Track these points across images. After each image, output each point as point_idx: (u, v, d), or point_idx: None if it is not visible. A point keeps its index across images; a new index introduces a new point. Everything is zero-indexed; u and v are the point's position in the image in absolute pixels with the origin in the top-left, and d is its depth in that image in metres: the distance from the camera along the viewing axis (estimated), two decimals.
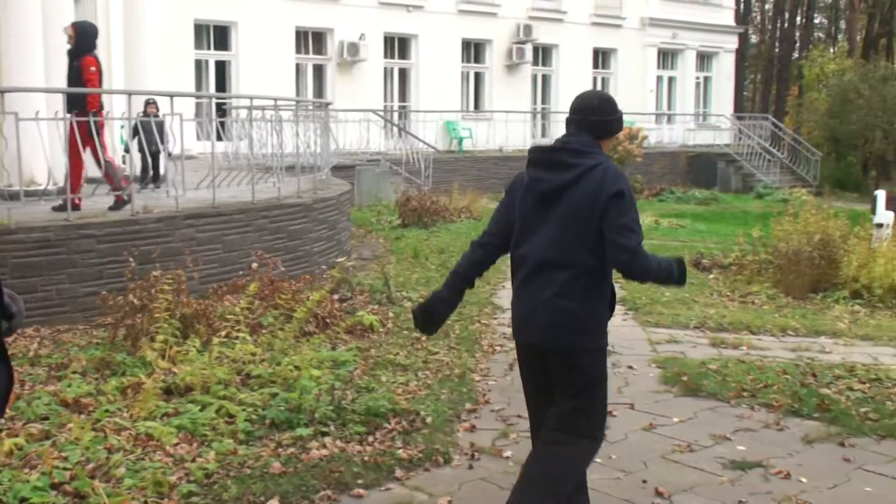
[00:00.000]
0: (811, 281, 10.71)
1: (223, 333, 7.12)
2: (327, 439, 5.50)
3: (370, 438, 5.60)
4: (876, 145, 30.64)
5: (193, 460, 5.10)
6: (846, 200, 25.02)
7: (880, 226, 14.25)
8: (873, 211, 16.31)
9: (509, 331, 8.70)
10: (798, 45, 49.80)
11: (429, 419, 5.95)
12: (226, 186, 10.67)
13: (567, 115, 4.20)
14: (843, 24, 53.23)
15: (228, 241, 9.77)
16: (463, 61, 28.40)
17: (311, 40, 25.30)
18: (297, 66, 24.80)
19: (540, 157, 4.10)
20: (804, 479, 5.15)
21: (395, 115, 27.09)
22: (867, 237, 11.28)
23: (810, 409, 6.36)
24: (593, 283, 3.95)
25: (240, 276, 9.05)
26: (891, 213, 15.63)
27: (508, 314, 9.31)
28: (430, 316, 4.27)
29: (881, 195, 16.72)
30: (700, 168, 29.41)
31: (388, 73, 26.88)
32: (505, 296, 10.65)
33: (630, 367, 7.50)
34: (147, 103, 12.95)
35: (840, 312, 9.86)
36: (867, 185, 30.57)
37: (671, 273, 4.00)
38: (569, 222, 3.91)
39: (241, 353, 6.76)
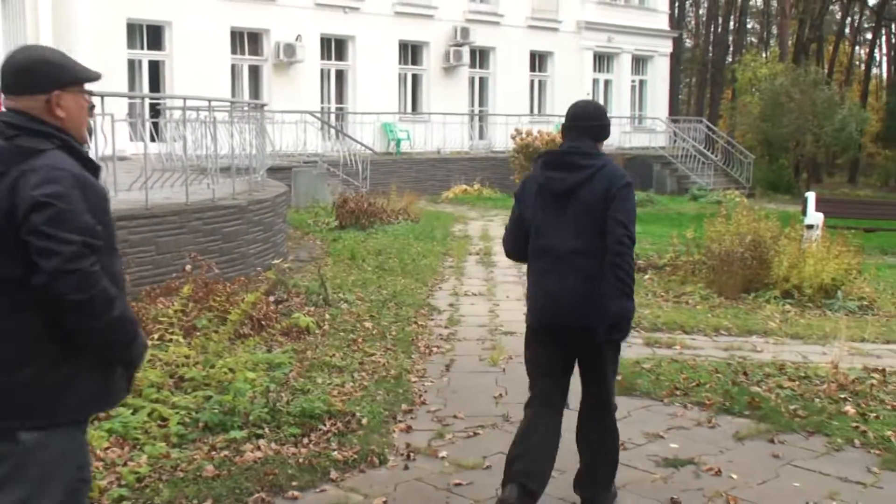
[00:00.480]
0: (743, 281, 10.89)
1: (156, 336, 7.02)
2: (262, 441, 5.46)
3: (305, 440, 5.57)
4: (807, 148, 31.28)
5: (125, 464, 5.02)
6: (778, 202, 25.51)
7: (810, 227, 14.56)
8: (804, 212, 16.66)
9: (446, 332, 8.78)
10: (731, 49, 50.70)
11: (364, 420, 5.94)
12: (159, 188, 10.53)
13: (564, 122, 4.71)
14: (774, 30, 54.25)
15: (162, 242, 9.64)
16: (400, 63, 28.38)
17: (246, 41, 25.08)
18: (233, 66, 24.55)
19: (555, 160, 4.61)
20: (735, 476, 5.24)
21: (332, 116, 26.98)
22: (798, 238, 11.50)
23: (741, 407, 6.48)
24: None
25: (173, 278, 8.94)
26: (820, 215, 15.98)
27: (444, 316, 9.39)
28: None
29: (811, 197, 17.09)
30: (636, 170, 29.68)
31: (324, 74, 26.76)
32: (441, 297, 10.68)
33: None
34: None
35: (771, 312, 10.04)
36: (798, 187, 31.23)
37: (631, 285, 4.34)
38: (586, 214, 4.41)
39: (175, 356, 6.67)
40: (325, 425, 5.78)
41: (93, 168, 2.99)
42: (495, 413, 6.33)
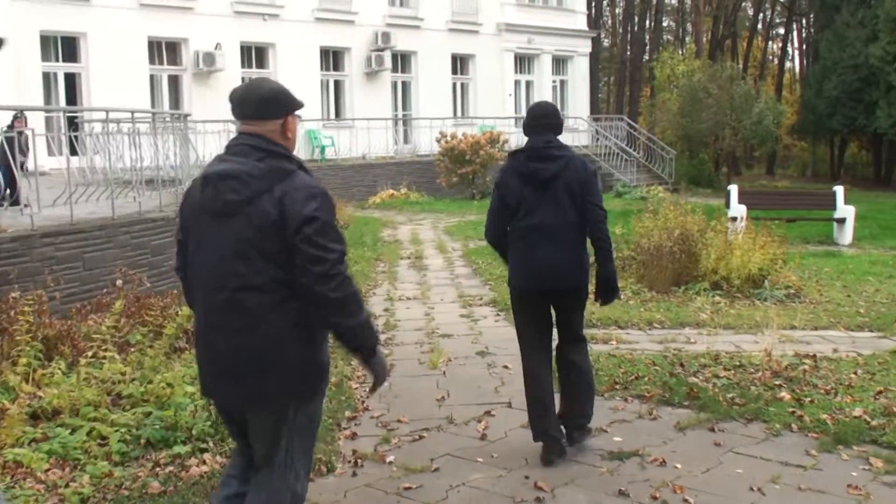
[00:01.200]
0: (673, 275, 11.05)
1: (90, 354, 6.88)
2: (206, 455, 5.39)
3: None
4: (726, 142, 31.86)
5: (67, 485, 4.92)
6: (701, 196, 25.92)
7: (734, 219, 14.86)
8: (727, 205, 17.04)
9: (383, 337, 8.75)
10: (648, 47, 51.48)
11: None
12: (84, 202, 10.34)
13: (527, 121, 5.56)
14: (689, 27, 55.17)
15: (89, 258, 9.46)
16: (322, 69, 28.27)
17: (164, 50, 24.76)
18: (151, 76, 24.22)
19: (537, 153, 5.43)
20: (679, 465, 5.32)
21: None
22: (723, 230, 11.70)
23: (680, 398, 6.58)
24: (583, 237, 5.47)
25: (104, 294, 8.78)
26: (743, 207, 16.34)
27: (380, 321, 9.37)
28: None
29: (734, 190, 17.49)
30: None
31: (245, 82, 26.49)
32: (376, 302, 10.66)
33: (506, 367, 7.56)
34: (14, 118, 12.54)
35: (702, 304, 10.22)
36: (719, 180, 31.80)
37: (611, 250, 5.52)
38: (566, 196, 5.35)
39: (110, 373, 6.55)
40: None
41: None
42: (439, 416, 6.33)
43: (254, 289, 3.41)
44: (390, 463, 5.44)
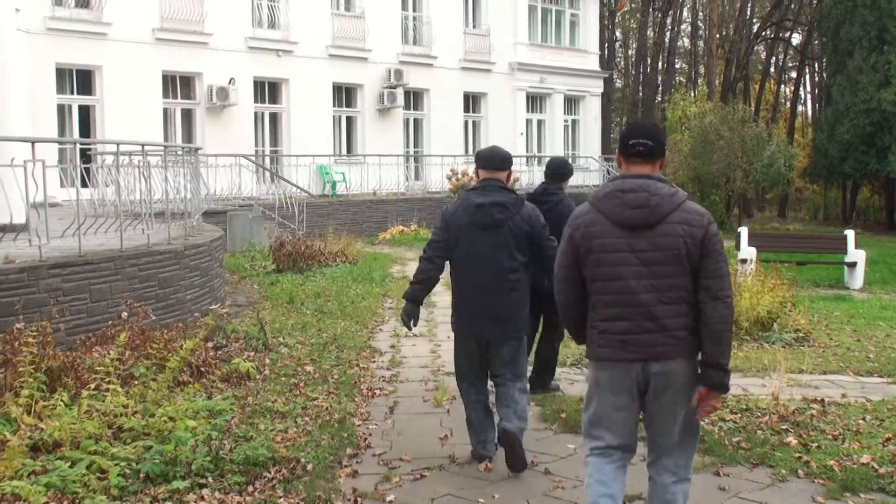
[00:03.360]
0: None
1: (93, 386, 6.85)
2: (205, 491, 5.35)
3: (250, 488, 5.46)
4: (737, 184, 31.84)
5: None
6: None
7: (744, 261, 14.82)
8: (737, 247, 17.00)
9: (388, 374, 8.72)
10: (661, 88, 51.67)
11: (309, 466, 5.85)
12: (93, 234, 10.35)
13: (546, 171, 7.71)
14: (702, 69, 55.38)
15: (96, 290, 9.46)
16: (335, 105, 28.44)
17: (178, 84, 24.94)
18: (165, 110, 24.39)
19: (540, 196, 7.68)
20: None
21: (267, 159, 26.89)
22: (732, 272, 11.62)
23: None
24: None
25: (109, 326, 8.77)
26: (753, 249, 16.30)
27: (386, 357, 9.36)
28: None
29: (744, 232, 17.46)
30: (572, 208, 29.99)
31: (258, 117, 26.69)
32: (382, 339, 10.62)
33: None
34: None
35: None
36: (730, 222, 31.76)
37: None
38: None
39: (113, 406, 6.52)
40: (269, 472, 5.68)
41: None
42: (441, 454, 6.28)
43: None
44: (391, 502, 5.39)
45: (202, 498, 5.24)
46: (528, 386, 6.37)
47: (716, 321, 4.08)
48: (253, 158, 24.95)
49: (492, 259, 5.90)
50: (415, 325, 6.34)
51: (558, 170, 7.92)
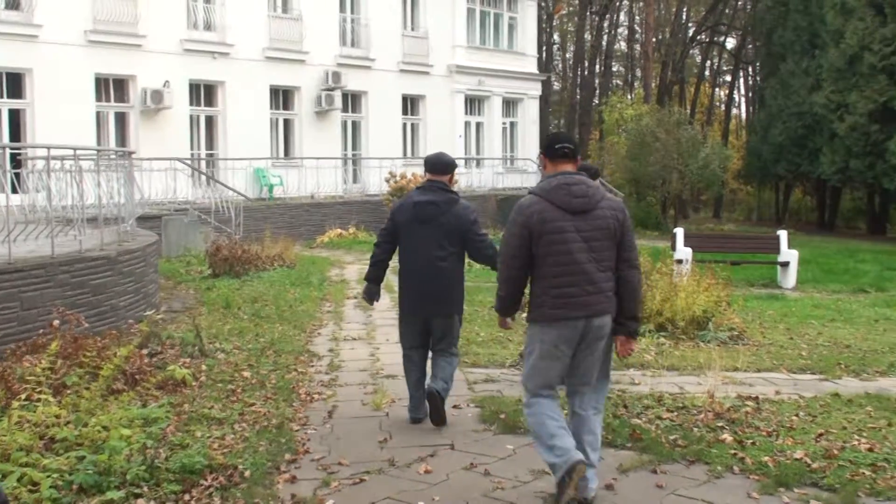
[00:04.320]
0: None
1: (23, 396, 6.70)
2: (140, 501, 5.26)
3: (186, 497, 5.38)
4: (673, 185, 32.29)
5: None
6: (648, 238, 26.17)
7: (680, 261, 15.00)
8: (673, 248, 17.21)
9: (327, 378, 8.68)
10: (598, 91, 52.13)
11: (247, 473, 5.78)
12: (23, 241, 10.15)
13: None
14: (638, 72, 56.06)
15: (27, 298, 9.26)
16: (272, 108, 28.22)
17: (112, 87, 24.55)
18: (98, 113, 23.99)
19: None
20: None
21: (203, 163, 26.59)
22: (669, 272, 11.78)
23: (623, 439, 6.56)
24: None
25: (40, 334, 8.57)
26: (689, 250, 16.51)
27: (325, 361, 9.31)
28: None
29: (680, 233, 17.68)
30: (509, 210, 30.08)
31: (194, 120, 26.38)
32: (321, 342, 10.56)
33: (455, 406, 7.51)
34: None
35: (647, 345, 10.24)
36: (666, 223, 32.18)
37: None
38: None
39: (44, 416, 6.37)
40: (206, 480, 5.60)
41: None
42: (381, 458, 6.25)
43: None
44: None
45: None
46: (457, 356, 7.33)
47: (634, 284, 5.37)
48: (188, 162, 24.66)
49: (426, 249, 6.96)
50: (377, 301, 7.54)
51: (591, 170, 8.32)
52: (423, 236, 6.96)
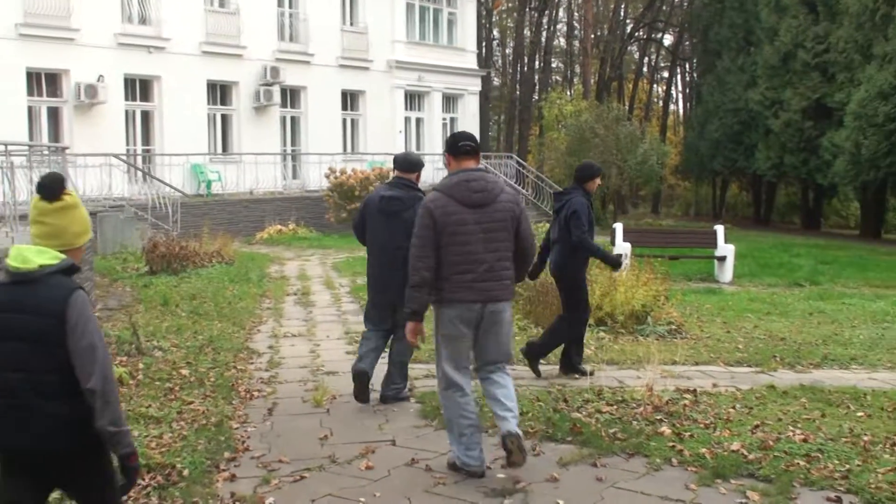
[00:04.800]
0: (558, 310, 11.09)
1: None
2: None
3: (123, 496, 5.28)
4: (612, 181, 32.51)
5: None
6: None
7: (619, 256, 15.06)
8: (612, 243, 17.34)
9: (267, 375, 8.61)
10: (537, 87, 52.37)
11: (186, 471, 5.70)
12: None
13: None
14: (577, 68, 56.44)
15: None
16: (209, 103, 27.91)
17: (44, 81, 24.09)
18: (30, 108, 23.51)
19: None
20: (561, 501, 5.31)
21: (139, 158, 26.21)
22: (608, 267, 11.84)
23: (564, 434, 6.59)
24: None
25: None
26: (628, 245, 16.66)
27: (264, 358, 9.22)
28: None
29: (619, 228, 17.83)
30: None
31: (129, 115, 25.99)
32: (260, 339, 10.47)
33: (389, 404, 7.49)
34: None
35: (586, 339, 10.27)
36: (605, 218, 32.39)
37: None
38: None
39: None
40: (143, 480, 5.51)
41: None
42: (322, 455, 6.20)
43: None
44: None
45: None
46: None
47: (526, 267, 6.16)
48: (124, 158, 24.29)
49: (388, 240, 7.38)
50: None
51: (583, 171, 8.91)
52: (388, 229, 7.39)
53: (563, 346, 8.73)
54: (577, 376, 8.50)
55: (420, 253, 5.72)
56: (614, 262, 8.86)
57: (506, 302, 5.80)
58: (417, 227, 5.78)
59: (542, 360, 9.03)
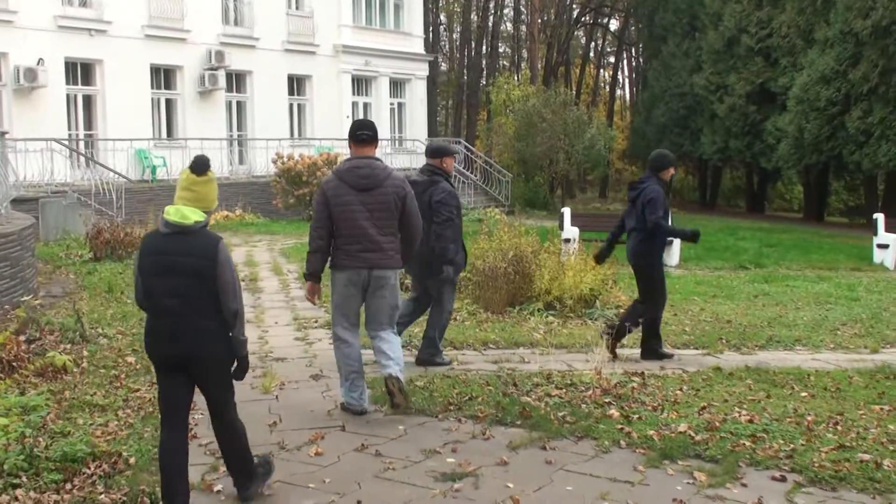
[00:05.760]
0: (508, 295, 11.17)
1: None
2: (19, 491, 5.07)
3: (68, 486, 5.21)
4: (560, 166, 32.67)
5: None
6: (536, 218, 26.39)
7: (568, 241, 15.20)
8: (561, 227, 17.44)
9: None
10: (485, 72, 52.39)
11: (132, 460, 5.63)
12: None
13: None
14: (525, 53, 56.50)
15: None
16: (153, 87, 27.49)
17: None
18: None
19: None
20: (511, 485, 5.33)
21: (82, 143, 25.78)
22: (557, 252, 11.92)
23: (513, 417, 6.62)
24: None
25: None
26: (576, 229, 16.75)
27: None
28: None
29: (567, 212, 17.93)
30: None
31: (71, 99, 25.53)
32: None
33: (338, 390, 7.45)
34: None
35: (536, 324, 10.36)
36: (554, 203, 32.57)
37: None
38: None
39: None
40: (89, 468, 5.44)
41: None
42: (270, 441, 6.16)
43: None
44: (218, 492, 5.26)
45: (16, 499, 4.97)
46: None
47: (410, 243, 6.92)
48: (66, 143, 23.87)
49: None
50: None
51: (657, 161, 8.92)
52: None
53: (642, 334, 8.95)
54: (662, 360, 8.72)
55: (315, 225, 6.74)
56: (693, 237, 8.86)
57: (389, 269, 6.73)
58: (315, 206, 6.88)
59: (488, 345, 9.07)
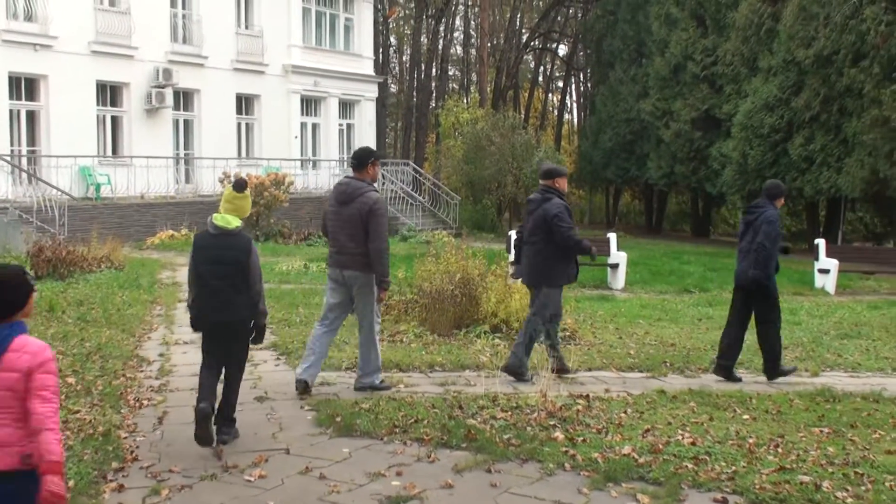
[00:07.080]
0: (455, 318, 11.17)
1: None
2: None
3: None
4: (508, 189, 32.77)
5: None
6: (484, 241, 26.53)
7: (514, 264, 15.17)
8: (508, 250, 17.46)
9: (157, 383, 8.44)
10: (434, 94, 52.50)
11: (71, 482, 5.52)
12: None
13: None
14: (474, 77, 56.78)
15: None
16: (98, 104, 27.17)
17: None
18: None
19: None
20: None
21: (24, 160, 25.37)
22: (503, 275, 11.94)
23: (459, 440, 6.60)
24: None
25: None
26: None
27: (155, 366, 9.02)
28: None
29: (513, 235, 17.93)
30: None
31: (14, 115, 25.13)
32: (151, 347, 10.24)
33: (283, 413, 7.40)
34: None
35: (482, 346, 10.36)
36: (502, 225, 32.66)
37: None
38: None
39: None
40: None
41: None
42: (214, 464, 6.09)
43: None
44: None
45: None
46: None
47: (374, 254, 7.87)
48: (8, 158, 23.49)
49: (529, 232, 9.39)
50: None
51: (773, 189, 9.45)
52: (529, 222, 9.32)
53: (764, 355, 9.42)
54: (787, 376, 9.32)
55: (324, 231, 8.43)
56: (787, 250, 9.73)
57: (356, 271, 7.98)
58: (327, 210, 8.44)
59: (434, 367, 9.06)
